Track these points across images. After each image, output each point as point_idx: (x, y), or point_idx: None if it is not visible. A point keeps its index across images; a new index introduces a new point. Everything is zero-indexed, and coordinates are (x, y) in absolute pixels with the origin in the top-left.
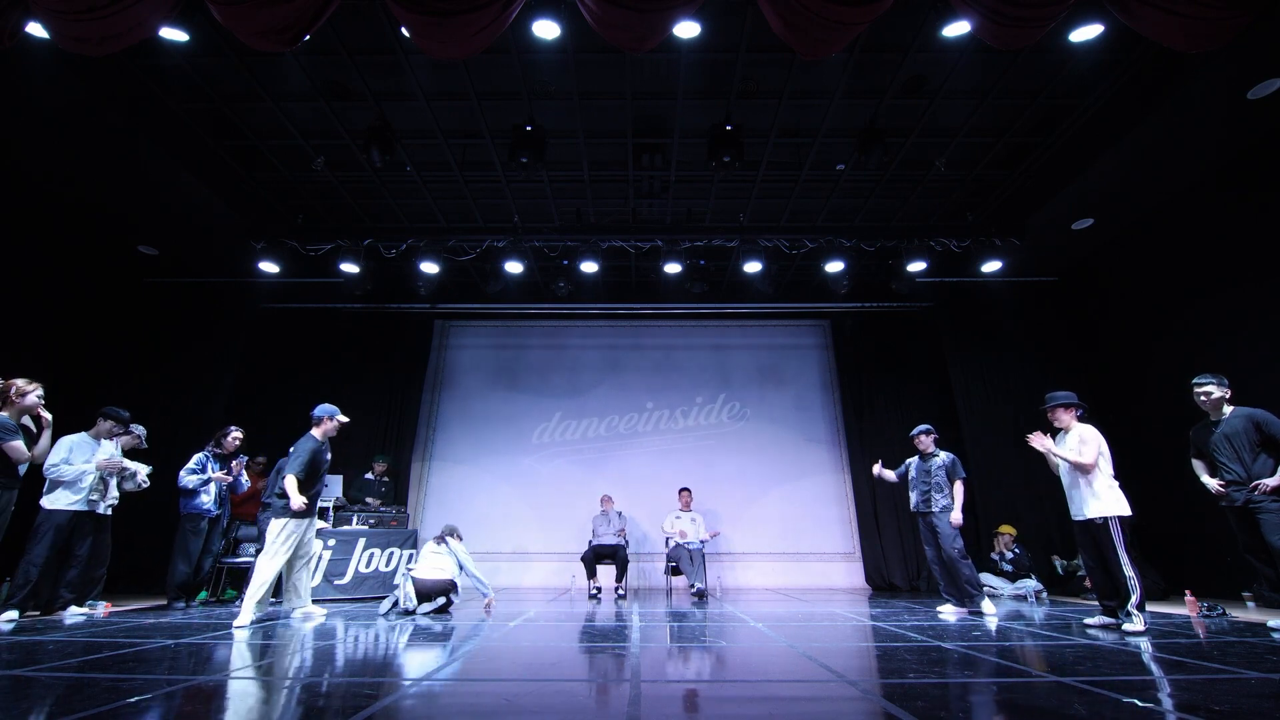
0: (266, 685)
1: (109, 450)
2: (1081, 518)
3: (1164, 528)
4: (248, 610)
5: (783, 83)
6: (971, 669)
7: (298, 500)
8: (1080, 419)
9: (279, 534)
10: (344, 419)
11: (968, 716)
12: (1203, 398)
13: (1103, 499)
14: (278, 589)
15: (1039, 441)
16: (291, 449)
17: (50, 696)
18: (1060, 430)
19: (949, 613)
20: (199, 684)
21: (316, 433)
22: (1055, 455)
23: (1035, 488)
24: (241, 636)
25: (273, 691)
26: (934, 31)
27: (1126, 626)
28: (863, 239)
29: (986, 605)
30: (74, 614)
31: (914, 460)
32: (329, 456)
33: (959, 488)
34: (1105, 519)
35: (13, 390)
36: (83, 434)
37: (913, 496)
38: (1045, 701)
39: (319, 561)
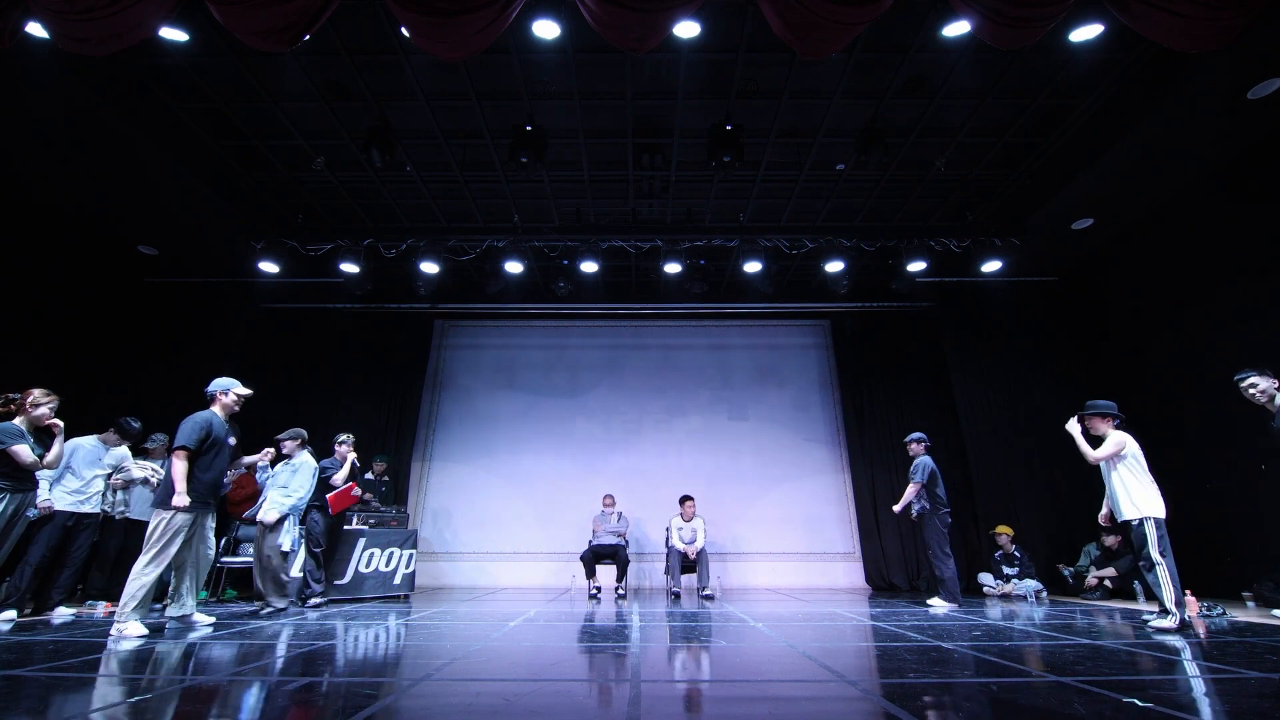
0: (266, 685)
1: (117, 455)
2: (1120, 519)
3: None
4: (124, 621)
5: (783, 83)
6: (971, 669)
7: (182, 484)
8: (1116, 427)
9: (162, 528)
10: (244, 391)
11: (968, 716)
12: (1251, 391)
13: (1138, 500)
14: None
15: (1072, 426)
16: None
17: (49, 696)
18: (1097, 437)
19: (937, 605)
20: (199, 684)
21: (215, 408)
22: (1080, 443)
23: (1035, 487)
24: (124, 648)
25: (272, 691)
26: (934, 31)
27: (1155, 623)
28: (863, 239)
29: (934, 601)
30: (61, 614)
31: None
32: (233, 440)
33: (909, 488)
34: (1141, 520)
35: (28, 400)
36: (93, 438)
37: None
38: (1045, 701)
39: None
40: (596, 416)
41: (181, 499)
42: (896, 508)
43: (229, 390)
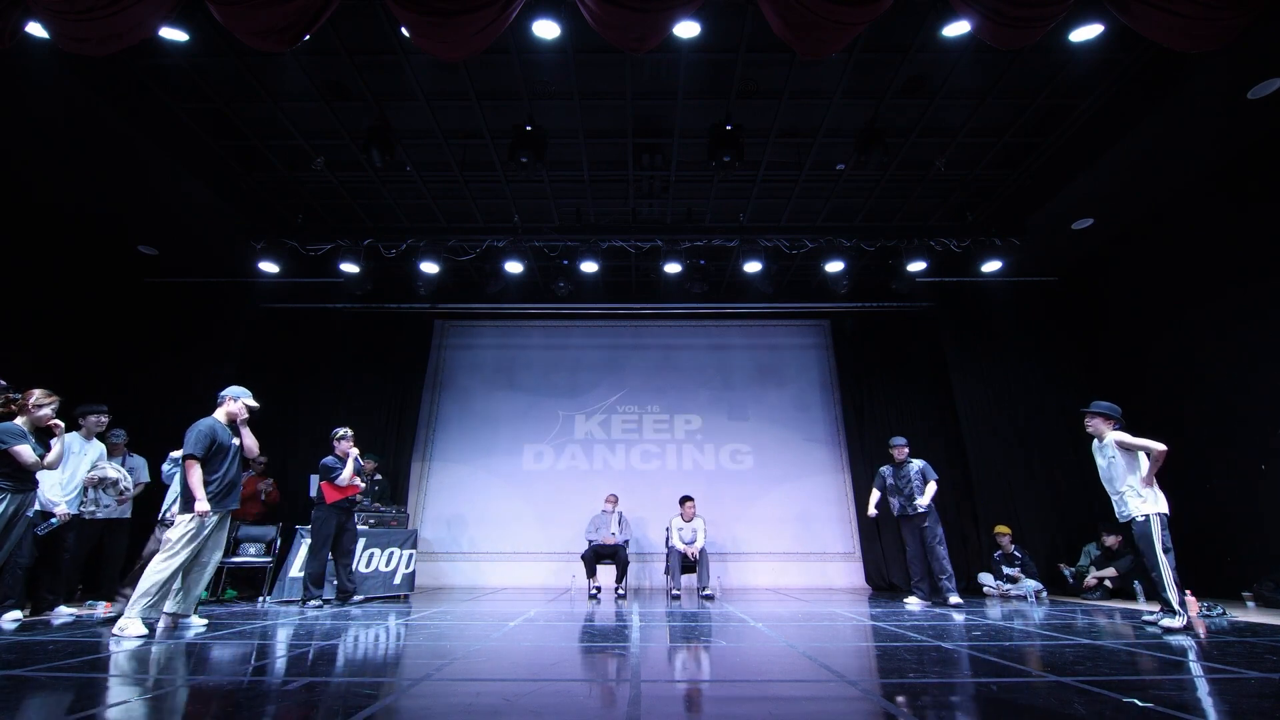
0: (266, 684)
1: (101, 448)
2: (1126, 518)
3: None
4: (130, 618)
5: (783, 83)
6: (971, 669)
7: (200, 491)
8: (1116, 429)
9: (181, 531)
10: (252, 402)
11: (967, 716)
12: None
13: (1145, 497)
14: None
15: (1120, 435)
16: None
17: (50, 696)
18: (1094, 437)
19: (914, 604)
20: (198, 684)
21: (218, 414)
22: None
23: (1035, 487)
24: (125, 647)
25: (271, 691)
26: (934, 31)
27: (1163, 623)
28: (863, 239)
29: (955, 600)
30: (62, 614)
31: (885, 469)
32: (236, 442)
33: (932, 487)
34: (1147, 516)
35: (31, 400)
36: (74, 434)
37: (895, 502)
38: (1045, 701)
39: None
40: (596, 416)
41: (203, 504)
42: (924, 501)
43: (238, 398)
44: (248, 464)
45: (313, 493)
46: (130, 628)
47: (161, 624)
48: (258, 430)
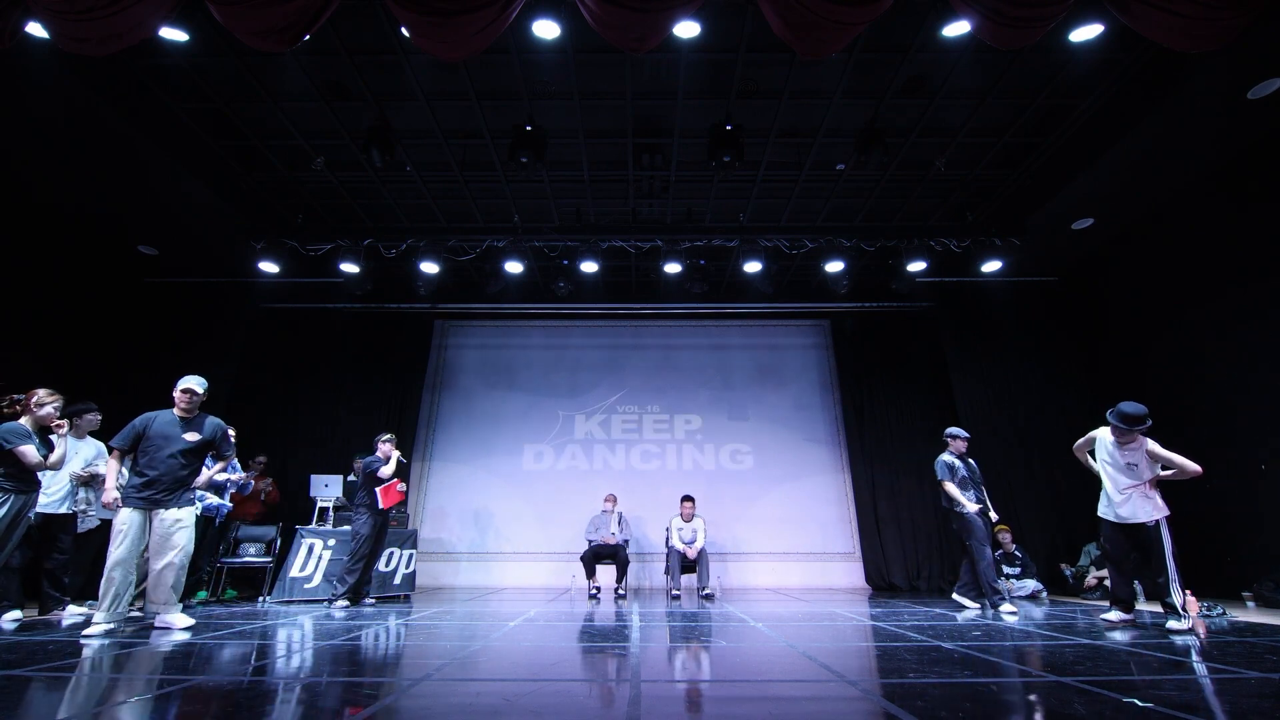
0: (266, 685)
1: (97, 446)
2: (1134, 520)
3: None
4: (97, 618)
5: (783, 83)
6: (971, 669)
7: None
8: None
9: (115, 525)
10: (186, 388)
11: (967, 716)
12: None
13: (1154, 499)
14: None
15: (1155, 445)
16: None
17: (49, 696)
18: (1124, 442)
19: (1007, 611)
20: (199, 684)
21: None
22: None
23: (1035, 487)
24: (92, 645)
25: (272, 691)
26: (934, 31)
27: (1170, 624)
28: (863, 239)
29: (1007, 607)
30: (72, 614)
31: (957, 463)
32: (191, 437)
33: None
34: (1158, 521)
35: (33, 400)
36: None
37: (974, 495)
38: (1045, 701)
39: (319, 562)
40: (596, 416)
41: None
42: (994, 515)
43: (175, 387)
44: (248, 464)
45: (313, 492)
46: (92, 628)
47: (158, 622)
48: (258, 430)
